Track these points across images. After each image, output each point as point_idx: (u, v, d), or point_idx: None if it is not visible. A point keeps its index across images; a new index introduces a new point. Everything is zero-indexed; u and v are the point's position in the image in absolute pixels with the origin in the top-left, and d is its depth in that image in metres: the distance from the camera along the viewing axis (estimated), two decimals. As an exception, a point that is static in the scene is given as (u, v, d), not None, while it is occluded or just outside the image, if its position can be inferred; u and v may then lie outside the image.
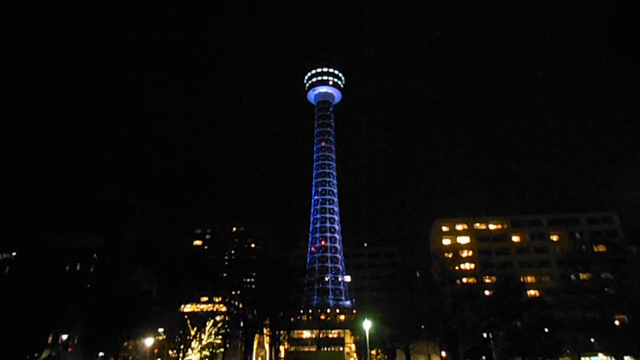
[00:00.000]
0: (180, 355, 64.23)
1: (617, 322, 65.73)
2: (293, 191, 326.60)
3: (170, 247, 71.48)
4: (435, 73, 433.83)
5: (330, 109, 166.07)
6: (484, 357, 67.84)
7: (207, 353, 73.62)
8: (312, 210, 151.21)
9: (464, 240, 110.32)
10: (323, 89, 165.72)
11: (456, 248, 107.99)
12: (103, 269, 71.49)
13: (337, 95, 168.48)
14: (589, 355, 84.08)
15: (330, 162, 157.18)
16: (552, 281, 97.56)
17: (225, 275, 73.04)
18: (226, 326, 74.77)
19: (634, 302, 54.87)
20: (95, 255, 76.68)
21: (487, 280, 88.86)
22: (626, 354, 66.91)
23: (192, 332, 68.24)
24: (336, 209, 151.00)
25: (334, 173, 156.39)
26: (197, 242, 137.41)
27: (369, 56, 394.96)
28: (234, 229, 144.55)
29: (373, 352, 75.35)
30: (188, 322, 68.48)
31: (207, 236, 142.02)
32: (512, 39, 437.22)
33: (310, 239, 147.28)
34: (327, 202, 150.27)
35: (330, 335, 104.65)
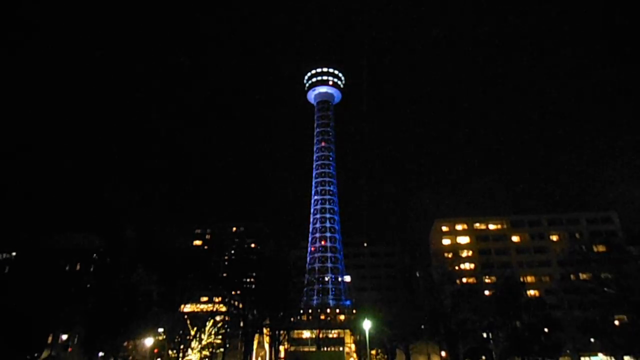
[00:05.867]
0: (180, 355, 64.23)
1: (617, 322, 65.70)
2: (293, 191, 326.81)
3: (170, 247, 71.38)
4: (436, 74, 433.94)
5: (330, 109, 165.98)
6: (484, 357, 67.81)
7: (207, 353, 73.62)
8: (312, 210, 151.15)
9: (464, 240, 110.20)
10: (323, 89, 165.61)
11: (456, 248, 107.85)
12: (103, 269, 71.45)
13: (337, 95, 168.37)
14: (589, 355, 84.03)
15: (330, 162, 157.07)
16: (552, 281, 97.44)
17: (225, 275, 72.99)
18: (226, 326, 74.71)
19: (634, 302, 54.80)
20: (95, 255, 76.68)
21: (487, 280, 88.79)
22: (626, 354, 66.88)
23: (192, 332, 68.22)
24: (336, 209, 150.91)
25: (334, 173, 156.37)
26: (197, 242, 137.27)
27: (369, 56, 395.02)
28: (234, 229, 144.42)
29: (373, 352, 75.28)
30: (188, 322, 68.44)
31: (207, 236, 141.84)
32: (513, 39, 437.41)
33: (310, 239, 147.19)
34: (327, 202, 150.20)
35: (330, 335, 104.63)
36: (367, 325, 51.73)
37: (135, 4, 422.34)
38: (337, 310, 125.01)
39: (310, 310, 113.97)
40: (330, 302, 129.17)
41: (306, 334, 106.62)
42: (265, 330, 78.38)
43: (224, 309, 74.22)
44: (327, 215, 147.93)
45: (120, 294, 56.80)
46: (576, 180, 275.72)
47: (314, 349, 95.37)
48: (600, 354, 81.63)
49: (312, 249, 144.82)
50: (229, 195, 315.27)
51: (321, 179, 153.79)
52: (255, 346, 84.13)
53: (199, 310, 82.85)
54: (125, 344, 63.92)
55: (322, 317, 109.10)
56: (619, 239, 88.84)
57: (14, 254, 78.91)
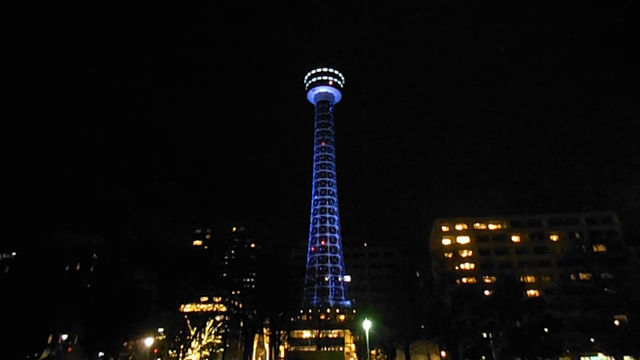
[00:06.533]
0: (180, 355, 64.21)
1: (617, 322, 65.69)
2: (293, 191, 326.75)
3: (170, 247, 71.39)
4: (436, 73, 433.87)
5: (330, 109, 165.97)
6: (483, 357, 67.80)
7: (207, 353, 73.60)
8: (312, 210, 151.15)
9: (464, 240, 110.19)
10: (323, 89, 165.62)
11: (456, 248, 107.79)
12: (103, 269, 71.43)
13: (337, 95, 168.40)
14: (589, 355, 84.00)
15: (330, 162, 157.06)
16: (552, 281, 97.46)
17: (225, 275, 73.02)
18: (226, 326, 74.71)
19: (633, 302, 54.81)
20: (95, 255, 76.67)
21: (487, 280, 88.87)
22: (626, 354, 66.85)
23: (192, 332, 68.20)
24: (336, 209, 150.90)
25: (334, 173, 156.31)
26: (197, 242, 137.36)
27: (369, 56, 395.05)
28: (234, 229, 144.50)
29: (373, 352, 75.28)
30: (188, 322, 68.44)
31: (207, 236, 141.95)
32: (512, 40, 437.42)
33: (310, 239, 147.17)
34: (327, 202, 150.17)
35: (330, 335, 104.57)
36: (367, 325, 51.72)
37: (138, 3, 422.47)
38: (337, 310, 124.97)
39: (310, 310, 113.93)
40: (330, 302, 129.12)
41: (306, 334, 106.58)
42: (265, 330, 78.41)
43: (224, 309, 74.21)
44: (327, 215, 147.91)
45: (120, 293, 56.78)
46: (576, 180, 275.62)
47: (314, 349, 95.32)
48: (600, 354, 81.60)
49: (312, 249, 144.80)
50: (229, 195, 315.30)
51: (321, 179, 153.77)
52: (255, 346, 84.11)
53: (199, 310, 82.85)
54: (125, 344, 63.87)
55: (322, 317, 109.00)
56: (619, 239, 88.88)
57: (14, 254, 78.90)
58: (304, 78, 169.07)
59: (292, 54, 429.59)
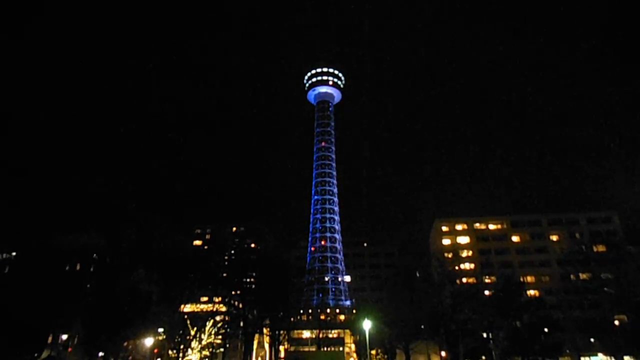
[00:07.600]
0: (180, 355, 64.18)
1: (617, 322, 65.77)
2: (293, 191, 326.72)
3: (170, 247, 71.34)
4: (436, 73, 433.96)
5: (330, 109, 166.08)
6: (483, 357, 67.83)
7: (207, 353, 73.56)
8: (312, 210, 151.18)
9: (464, 240, 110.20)
10: (323, 89, 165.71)
11: (456, 248, 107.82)
12: (103, 269, 71.50)
13: (337, 95, 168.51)
14: (589, 355, 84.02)
15: (330, 162, 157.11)
16: (552, 281, 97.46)
17: (225, 275, 72.97)
18: (226, 326, 74.71)
19: (633, 302, 54.90)
20: (95, 255, 76.66)
21: (487, 280, 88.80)
22: (626, 354, 66.89)
23: (192, 332, 68.18)
24: (336, 209, 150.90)
25: (334, 173, 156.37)
26: (197, 242, 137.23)
27: (370, 55, 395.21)
28: (234, 229, 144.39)
29: (373, 352, 75.25)
30: (188, 322, 68.42)
31: (207, 236, 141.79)
32: (512, 39, 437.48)
33: (310, 239, 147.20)
34: (327, 202, 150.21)
35: (330, 335, 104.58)
36: (367, 325, 51.68)
37: (139, 5, 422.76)
38: (337, 310, 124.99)
39: (310, 310, 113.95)
40: (330, 302, 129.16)
41: (306, 334, 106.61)
42: (265, 330, 78.39)
43: (224, 309, 74.18)
44: (327, 215, 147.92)
45: (120, 294, 56.84)
46: (576, 180, 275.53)
47: (314, 349, 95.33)
48: (600, 354, 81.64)
49: (312, 249, 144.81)
50: (229, 195, 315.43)
51: (321, 179, 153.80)
52: (255, 346, 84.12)
53: (199, 310, 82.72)
54: (125, 344, 63.87)
55: (322, 317, 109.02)
56: (619, 239, 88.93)
57: (14, 254, 78.97)
58: (304, 78, 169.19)
59: (292, 54, 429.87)
